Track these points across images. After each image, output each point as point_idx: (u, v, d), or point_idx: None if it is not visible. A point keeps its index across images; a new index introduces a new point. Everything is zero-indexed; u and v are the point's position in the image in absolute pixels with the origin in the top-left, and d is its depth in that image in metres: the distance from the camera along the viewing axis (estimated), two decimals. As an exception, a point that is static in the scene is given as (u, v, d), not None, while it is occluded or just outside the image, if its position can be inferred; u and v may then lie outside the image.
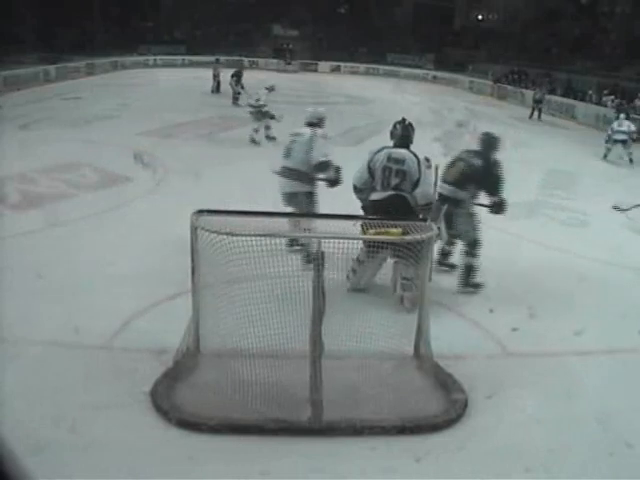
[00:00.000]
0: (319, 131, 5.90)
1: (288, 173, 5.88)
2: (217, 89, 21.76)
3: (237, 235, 3.58)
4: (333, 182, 5.86)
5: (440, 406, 3.83)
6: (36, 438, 3.29)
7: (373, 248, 4.72)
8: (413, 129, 5.45)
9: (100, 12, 36.44)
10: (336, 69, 37.74)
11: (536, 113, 20.74)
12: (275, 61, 37.82)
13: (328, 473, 3.30)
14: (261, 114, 12.34)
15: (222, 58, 25.86)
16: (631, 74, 23.16)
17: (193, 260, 3.95)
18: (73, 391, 3.81)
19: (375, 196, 5.26)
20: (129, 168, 9.33)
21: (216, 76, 21.90)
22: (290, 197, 5.89)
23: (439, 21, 41.35)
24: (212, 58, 35.67)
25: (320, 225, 4.01)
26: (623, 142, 13.52)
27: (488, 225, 7.89)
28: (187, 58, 35.95)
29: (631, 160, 13.52)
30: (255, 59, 38.46)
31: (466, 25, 41.65)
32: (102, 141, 11.86)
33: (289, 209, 5.81)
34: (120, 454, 3.33)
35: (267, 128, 12.33)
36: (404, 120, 5.50)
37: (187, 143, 12.56)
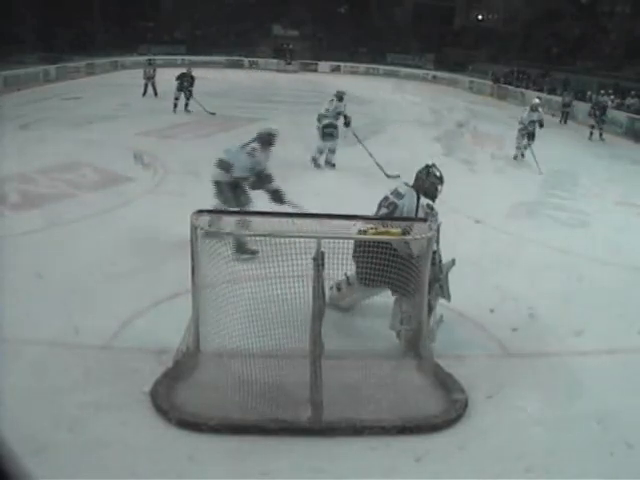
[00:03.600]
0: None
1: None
2: (154, 92, 19.67)
3: (237, 235, 3.58)
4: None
5: (440, 406, 3.83)
6: (36, 438, 3.29)
7: (368, 277, 4.30)
8: (437, 178, 4.76)
9: (100, 12, 36.44)
10: (336, 69, 37.71)
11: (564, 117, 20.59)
12: (275, 61, 37.83)
13: (328, 473, 3.30)
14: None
15: (156, 58, 23.81)
16: (631, 74, 23.16)
17: (193, 260, 3.95)
18: (73, 391, 3.81)
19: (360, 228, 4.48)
20: (129, 168, 9.34)
21: (150, 78, 19.75)
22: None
23: (439, 21, 41.32)
24: (212, 58, 35.92)
25: (320, 225, 4.00)
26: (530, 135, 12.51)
27: (488, 225, 7.91)
28: (187, 58, 35.91)
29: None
30: (255, 59, 38.47)
31: (466, 25, 41.63)
32: (102, 141, 11.85)
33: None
34: (120, 454, 3.33)
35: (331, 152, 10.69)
36: (433, 165, 4.85)
37: (187, 143, 12.56)
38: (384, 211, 4.72)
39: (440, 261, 4.58)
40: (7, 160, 8.96)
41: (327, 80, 30.93)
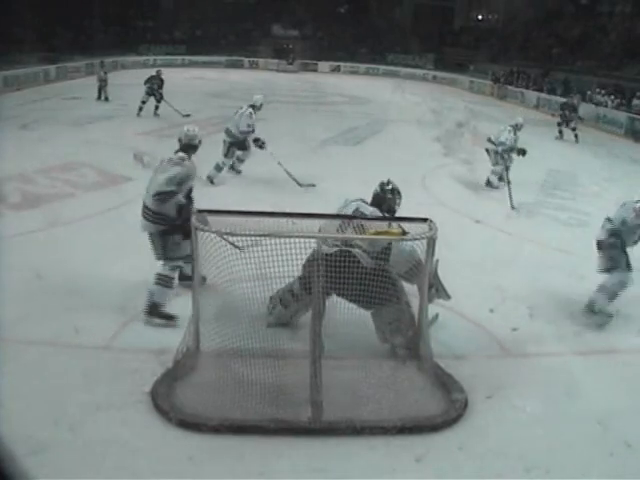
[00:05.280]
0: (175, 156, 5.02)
1: (144, 211, 4.93)
2: (105, 97, 18.39)
3: (237, 235, 3.59)
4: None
5: (440, 406, 3.83)
6: (36, 438, 3.29)
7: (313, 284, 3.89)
8: (394, 193, 4.64)
9: (100, 12, 36.44)
10: (336, 69, 37.73)
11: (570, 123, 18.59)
12: (275, 61, 37.83)
13: (328, 473, 3.31)
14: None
15: (108, 60, 21.64)
16: (631, 74, 23.15)
17: (193, 260, 3.95)
18: (73, 391, 3.82)
19: (324, 249, 4.03)
20: (129, 168, 9.32)
21: (103, 81, 18.44)
22: (150, 238, 4.93)
23: (439, 21, 41.34)
24: (212, 58, 35.89)
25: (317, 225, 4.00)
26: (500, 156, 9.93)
27: (488, 225, 7.90)
28: (187, 58, 35.94)
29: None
30: (255, 59, 38.46)
31: (466, 25, 41.60)
32: (102, 141, 11.85)
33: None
34: (120, 454, 3.34)
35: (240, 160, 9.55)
36: (388, 182, 4.69)
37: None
38: (351, 232, 4.31)
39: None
40: (7, 160, 8.95)
41: (327, 80, 30.97)
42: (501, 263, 6.28)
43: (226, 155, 9.20)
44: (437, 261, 4.47)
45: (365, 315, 4.69)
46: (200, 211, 3.91)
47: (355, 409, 3.66)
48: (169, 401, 3.72)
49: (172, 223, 4.78)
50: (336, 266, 3.89)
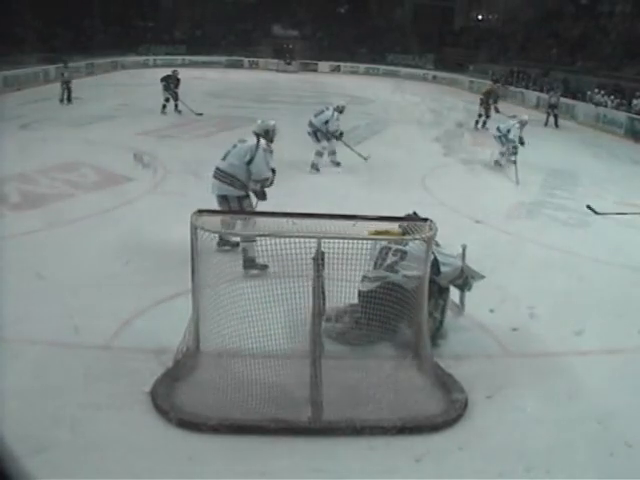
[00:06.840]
0: (262, 142, 5.92)
1: (220, 175, 5.93)
2: (68, 98, 17.71)
3: (237, 235, 3.59)
4: (261, 195, 5.97)
5: (440, 406, 3.83)
6: (36, 438, 3.29)
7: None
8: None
9: (100, 12, 36.43)
10: (336, 69, 37.74)
11: (551, 119, 18.82)
12: (275, 61, 37.85)
13: (328, 473, 3.30)
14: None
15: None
16: (631, 74, 23.14)
17: (193, 260, 3.95)
18: (73, 391, 3.82)
19: (362, 286, 4.44)
20: (129, 168, 9.34)
21: (66, 83, 17.74)
22: (221, 200, 5.89)
23: (439, 21, 41.36)
24: (212, 58, 35.90)
25: (320, 225, 4.00)
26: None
27: (488, 225, 7.90)
28: (187, 58, 35.95)
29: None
30: (255, 59, 38.48)
31: (466, 25, 41.60)
32: (102, 141, 11.86)
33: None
34: (120, 454, 3.33)
35: (332, 153, 10.80)
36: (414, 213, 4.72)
37: (187, 143, 12.55)
38: (393, 259, 4.60)
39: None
40: (7, 160, 8.95)
41: (327, 80, 30.96)
42: (501, 263, 6.28)
43: (319, 141, 10.38)
44: (464, 247, 4.88)
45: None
46: (200, 211, 3.91)
47: (355, 409, 3.66)
48: (169, 401, 3.72)
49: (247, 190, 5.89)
50: (377, 299, 4.11)
